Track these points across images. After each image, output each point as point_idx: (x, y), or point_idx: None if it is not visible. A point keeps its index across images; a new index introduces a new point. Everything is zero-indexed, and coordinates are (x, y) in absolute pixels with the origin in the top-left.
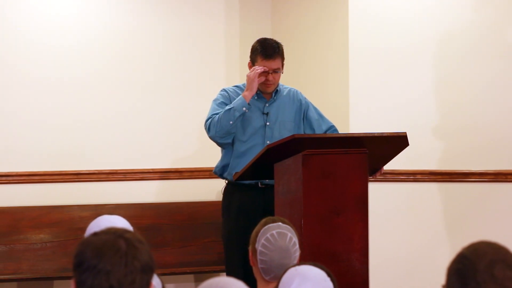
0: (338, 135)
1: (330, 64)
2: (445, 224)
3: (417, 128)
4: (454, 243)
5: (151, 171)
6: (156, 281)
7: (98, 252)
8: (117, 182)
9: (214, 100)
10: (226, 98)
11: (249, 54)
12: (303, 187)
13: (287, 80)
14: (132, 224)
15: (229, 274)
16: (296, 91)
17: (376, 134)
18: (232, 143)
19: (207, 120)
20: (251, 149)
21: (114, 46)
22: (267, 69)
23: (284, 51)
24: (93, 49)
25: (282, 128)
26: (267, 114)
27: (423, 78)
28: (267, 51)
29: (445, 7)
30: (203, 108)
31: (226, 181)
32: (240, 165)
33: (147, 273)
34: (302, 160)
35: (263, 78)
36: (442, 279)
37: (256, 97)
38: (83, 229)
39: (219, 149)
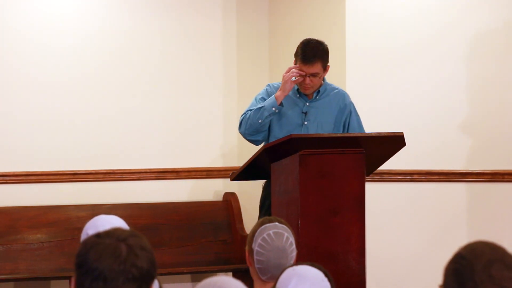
0: (335, 135)
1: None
2: (442, 224)
3: (414, 128)
4: (451, 243)
5: (148, 171)
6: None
7: (98, 257)
8: (114, 182)
9: (256, 95)
10: (268, 93)
11: (246, 54)
12: (300, 187)
13: None
14: (129, 224)
15: None
16: (344, 93)
17: (373, 134)
18: (268, 140)
19: (241, 116)
20: None
21: (111, 46)
22: (303, 73)
23: (282, 51)
24: (89, 49)
25: (320, 129)
26: (305, 113)
27: (420, 78)
28: (305, 55)
29: (440, 8)
30: (200, 108)
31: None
32: None
33: (146, 281)
34: (299, 160)
35: (300, 79)
36: (439, 279)
37: (298, 95)
38: (80, 229)
39: (216, 149)
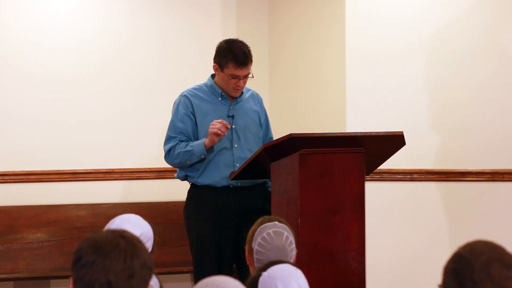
0: (335, 134)
1: (327, 63)
2: (441, 223)
3: (414, 127)
4: (450, 243)
5: (147, 170)
6: (154, 281)
7: (97, 248)
8: (114, 182)
9: (175, 113)
10: (187, 107)
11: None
12: (299, 186)
13: (285, 79)
14: None
15: (198, 275)
16: (257, 94)
17: (373, 134)
18: None
19: (167, 144)
20: (220, 154)
21: (111, 46)
22: (229, 128)
23: (282, 50)
24: (89, 49)
25: (247, 130)
26: (232, 116)
27: (420, 78)
28: (239, 58)
29: (440, 8)
30: None
31: (190, 183)
32: (210, 171)
33: (146, 271)
34: (299, 159)
35: (225, 133)
36: (438, 278)
37: (220, 98)
38: (80, 228)
39: None
